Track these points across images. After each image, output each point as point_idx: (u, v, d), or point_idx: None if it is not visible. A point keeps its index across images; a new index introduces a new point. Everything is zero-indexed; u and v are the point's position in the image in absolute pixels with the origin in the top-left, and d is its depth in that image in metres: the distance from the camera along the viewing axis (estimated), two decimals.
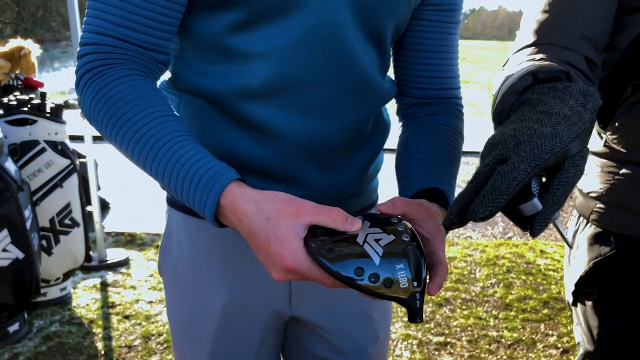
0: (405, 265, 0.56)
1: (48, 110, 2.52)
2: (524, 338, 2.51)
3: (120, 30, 0.66)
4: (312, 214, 0.58)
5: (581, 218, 0.97)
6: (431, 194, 0.71)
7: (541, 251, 3.56)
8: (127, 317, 2.57)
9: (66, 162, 2.52)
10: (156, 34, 0.68)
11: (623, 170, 0.87)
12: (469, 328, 2.59)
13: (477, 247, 3.62)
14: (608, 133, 0.88)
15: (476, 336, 2.51)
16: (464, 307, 2.78)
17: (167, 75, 0.80)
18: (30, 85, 3.71)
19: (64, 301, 2.66)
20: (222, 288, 0.83)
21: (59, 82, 10.38)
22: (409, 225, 0.61)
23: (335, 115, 0.75)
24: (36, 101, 2.53)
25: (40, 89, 3.73)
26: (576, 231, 0.98)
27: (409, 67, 0.84)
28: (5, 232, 2.13)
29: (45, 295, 2.58)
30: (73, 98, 2.84)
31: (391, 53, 0.84)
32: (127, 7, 0.65)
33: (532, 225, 0.54)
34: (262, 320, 0.86)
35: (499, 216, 4.36)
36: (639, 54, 0.81)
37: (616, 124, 0.85)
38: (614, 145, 0.88)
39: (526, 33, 0.84)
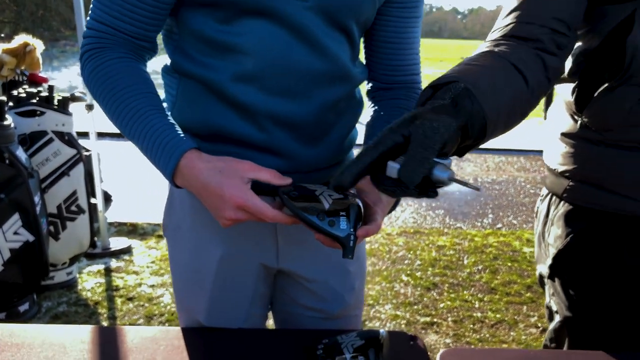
0: (346, 213, 0.75)
1: (55, 102, 2.66)
2: (506, 319, 2.65)
3: (114, 21, 0.84)
4: (255, 170, 0.77)
5: (554, 197, 1.06)
6: None
7: (527, 240, 3.69)
8: (130, 299, 2.71)
9: (72, 151, 2.65)
10: (142, 26, 0.85)
11: (596, 151, 0.96)
12: (455, 309, 2.72)
13: (466, 236, 3.75)
14: (584, 116, 0.96)
15: (461, 317, 2.65)
16: (451, 290, 2.92)
17: (168, 61, 0.94)
18: (35, 81, 3.83)
19: (71, 285, 2.80)
20: (218, 243, 0.96)
21: (58, 81, 10.49)
22: (357, 198, 0.80)
23: (312, 97, 0.89)
24: (44, 94, 2.66)
25: (45, 84, 3.86)
26: (548, 209, 1.07)
27: (376, 56, 0.99)
28: (16, 216, 2.27)
29: (53, 279, 2.72)
30: (79, 91, 2.97)
31: (362, 41, 0.98)
32: (121, 3, 0.83)
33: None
34: (254, 271, 0.99)
35: (489, 208, 4.50)
36: (618, 42, 0.88)
37: (592, 108, 0.94)
38: (589, 128, 0.97)
39: (503, 16, 0.92)
